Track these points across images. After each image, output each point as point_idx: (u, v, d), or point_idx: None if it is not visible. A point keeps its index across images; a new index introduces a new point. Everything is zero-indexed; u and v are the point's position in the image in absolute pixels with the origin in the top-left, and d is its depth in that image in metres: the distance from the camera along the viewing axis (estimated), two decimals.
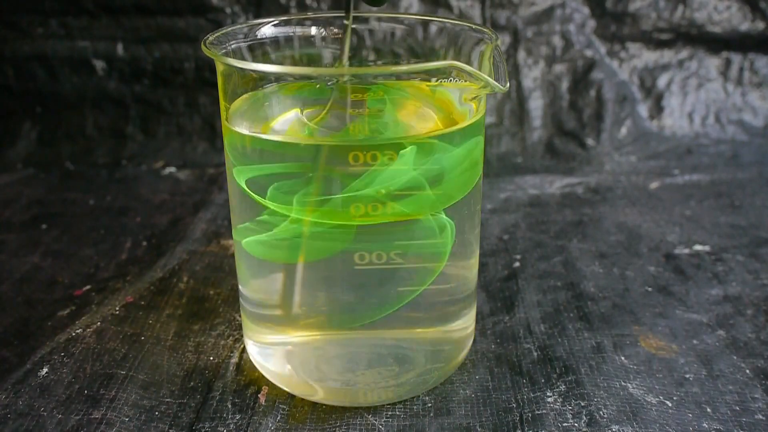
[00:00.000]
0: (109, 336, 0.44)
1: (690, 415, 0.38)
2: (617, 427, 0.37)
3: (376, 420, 0.37)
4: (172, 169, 0.74)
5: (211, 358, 0.43)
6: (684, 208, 0.64)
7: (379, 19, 0.43)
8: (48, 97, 0.79)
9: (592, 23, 0.80)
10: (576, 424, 0.37)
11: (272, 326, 0.39)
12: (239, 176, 0.36)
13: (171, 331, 0.45)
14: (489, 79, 0.33)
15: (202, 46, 0.35)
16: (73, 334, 0.44)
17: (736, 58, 0.82)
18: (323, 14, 0.42)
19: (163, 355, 0.43)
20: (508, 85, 0.34)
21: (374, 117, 0.35)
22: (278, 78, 0.38)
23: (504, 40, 0.79)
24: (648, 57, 0.81)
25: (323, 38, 0.42)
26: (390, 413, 0.38)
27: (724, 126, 0.81)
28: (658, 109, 0.81)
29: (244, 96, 0.37)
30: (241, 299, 0.41)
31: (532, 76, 0.79)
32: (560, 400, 0.39)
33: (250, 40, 0.39)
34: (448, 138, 0.35)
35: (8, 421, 0.37)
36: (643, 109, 0.81)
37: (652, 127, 0.80)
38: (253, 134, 0.35)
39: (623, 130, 0.79)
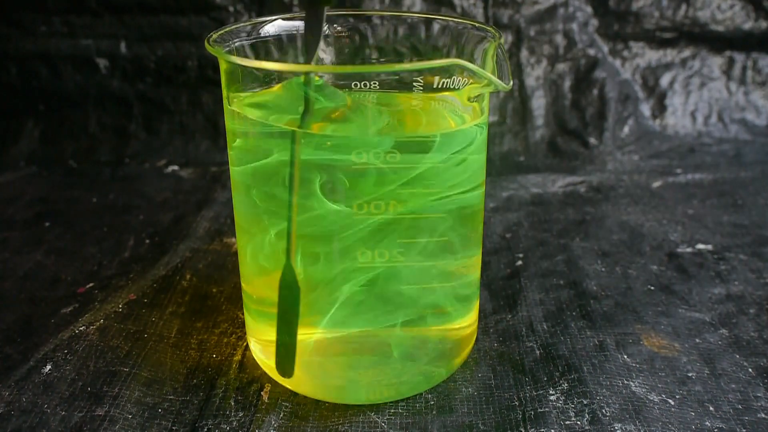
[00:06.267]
0: (112, 333, 0.44)
1: (692, 413, 0.38)
2: (620, 425, 0.37)
3: (378, 417, 0.37)
4: (174, 167, 0.74)
5: (214, 356, 0.43)
6: (686, 207, 0.64)
7: (382, 18, 0.43)
8: (51, 95, 0.79)
9: (594, 22, 0.80)
10: (578, 422, 0.37)
11: (275, 324, 0.39)
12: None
13: (174, 329, 0.45)
14: (492, 77, 0.33)
15: (206, 44, 0.35)
16: (77, 331, 0.44)
17: (739, 57, 0.82)
18: (326, 12, 0.42)
19: (166, 352, 0.43)
20: (511, 83, 0.34)
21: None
22: (281, 76, 0.38)
23: (507, 38, 0.79)
24: (651, 56, 0.81)
25: (326, 36, 0.42)
26: (393, 411, 0.38)
27: (727, 125, 0.80)
28: (660, 108, 0.81)
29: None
30: (244, 297, 0.41)
31: (534, 75, 0.79)
32: (563, 398, 0.39)
33: (254, 39, 0.39)
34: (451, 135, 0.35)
35: (12, 418, 0.37)
36: (646, 108, 0.81)
37: (655, 126, 0.80)
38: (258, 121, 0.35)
39: (626, 129, 0.79)
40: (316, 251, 0.35)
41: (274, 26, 0.40)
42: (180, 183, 0.70)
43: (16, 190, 0.68)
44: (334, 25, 0.42)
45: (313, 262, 0.35)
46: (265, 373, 0.41)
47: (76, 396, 0.39)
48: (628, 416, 0.37)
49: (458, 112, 0.38)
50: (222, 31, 0.37)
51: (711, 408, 0.38)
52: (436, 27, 0.41)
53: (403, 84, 0.38)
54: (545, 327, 0.45)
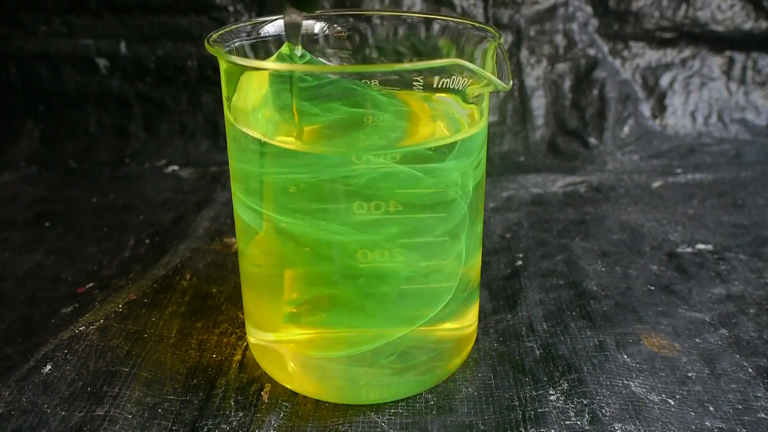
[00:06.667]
0: (113, 333, 0.44)
1: (692, 413, 0.38)
2: (620, 425, 0.37)
3: (378, 417, 0.37)
4: (174, 167, 0.74)
5: (214, 356, 0.43)
6: (686, 207, 0.64)
7: (382, 18, 0.43)
8: (51, 95, 0.79)
9: (594, 22, 0.80)
10: (578, 422, 0.37)
11: (275, 324, 0.39)
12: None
13: (174, 329, 0.45)
14: (492, 77, 0.33)
15: (206, 44, 0.35)
16: (77, 331, 0.44)
17: (739, 57, 0.82)
18: (325, 12, 0.42)
19: (166, 352, 0.43)
20: (511, 83, 0.34)
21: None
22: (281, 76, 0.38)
23: (507, 38, 0.79)
24: (651, 56, 0.81)
25: (326, 36, 0.42)
26: (393, 411, 0.38)
27: (727, 125, 0.80)
28: (660, 108, 0.81)
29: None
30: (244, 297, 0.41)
31: (534, 75, 0.79)
32: (563, 398, 0.39)
33: (253, 39, 0.39)
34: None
35: (12, 418, 0.37)
36: (646, 108, 0.81)
37: (655, 126, 0.80)
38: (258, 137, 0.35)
39: (626, 129, 0.79)
40: (317, 252, 0.35)
41: (274, 26, 0.40)
42: (180, 183, 0.70)
43: (16, 191, 0.68)
44: (334, 25, 0.42)
45: (314, 262, 0.35)
46: (265, 373, 0.41)
47: (76, 396, 0.39)
48: (628, 416, 0.37)
49: (455, 115, 0.38)
50: (222, 31, 0.37)
51: (711, 408, 0.38)
52: (436, 27, 0.41)
53: (403, 84, 0.38)
54: (545, 327, 0.45)
